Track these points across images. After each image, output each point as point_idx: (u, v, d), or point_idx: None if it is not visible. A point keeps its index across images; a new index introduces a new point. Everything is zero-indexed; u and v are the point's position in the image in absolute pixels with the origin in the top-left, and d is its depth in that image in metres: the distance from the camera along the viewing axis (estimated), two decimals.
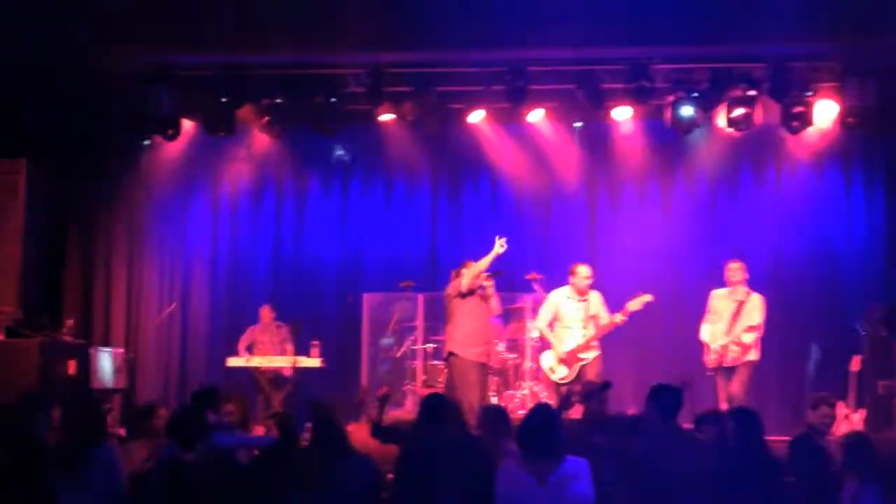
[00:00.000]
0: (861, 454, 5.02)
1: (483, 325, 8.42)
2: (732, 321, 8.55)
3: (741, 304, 8.58)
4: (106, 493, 4.97)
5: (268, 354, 9.69)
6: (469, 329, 8.35)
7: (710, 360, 8.63)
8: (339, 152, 10.70)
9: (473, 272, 8.34)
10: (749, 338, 8.53)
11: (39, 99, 9.13)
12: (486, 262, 8.32)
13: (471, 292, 8.37)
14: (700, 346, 8.91)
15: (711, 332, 8.66)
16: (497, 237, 8.34)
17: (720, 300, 8.72)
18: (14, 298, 8.88)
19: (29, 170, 9.18)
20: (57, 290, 9.61)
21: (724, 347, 8.53)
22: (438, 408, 5.36)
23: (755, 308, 8.60)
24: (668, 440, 5.06)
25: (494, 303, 8.56)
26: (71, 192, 9.96)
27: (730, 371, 8.56)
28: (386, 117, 10.13)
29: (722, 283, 8.89)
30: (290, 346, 9.78)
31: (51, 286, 9.47)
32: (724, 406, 8.03)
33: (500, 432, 5.39)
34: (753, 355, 8.60)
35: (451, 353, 8.39)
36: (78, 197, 10.10)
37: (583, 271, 8.57)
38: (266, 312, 9.99)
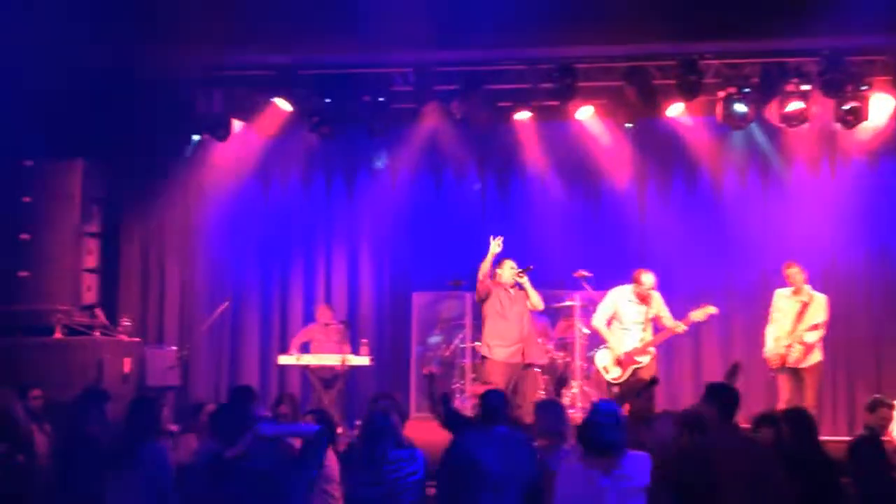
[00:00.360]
0: None
1: (512, 324, 8.37)
2: (796, 321, 8.46)
3: (805, 304, 8.49)
4: (153, 489, 5.02)
5: (325, 353, 9.73)
6: (495, 330, 8.39)
7: (774, 360, 8.51)
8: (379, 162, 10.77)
9: (478, 276, 8.40)
10: (812, 337, 8.45)
11: (94, 100, 9.26)
12: (485, 264, 8.39)
13: (488, 295, 8.43)
14: (756, 345, 8.83)
15: (776, 334, 8.54)
16: (492, 237, 8.41)
17: (785, 300, 8.62)
18: (70, 297, 9.03)
19: (85, 170, 9.31)
20: (112, 289, 9.75)
21: (788, 347, 8.42)
22: (493, 405, 5.34)
23: (820, 308, 8.52)
24: (725, 439, 5.00)
25: (534, 298, 8.48)
26: (125, 192, 10.09)
27: (793, 372, 8.45)
28: (434, 115, 10.14)
29: (778, 283, 8.79)
30: (347, 346, 9.81)
31: (106, 285, 9.61)
32: (782, 406, 7.93)
33: (556, 428, 5.35)
34: (818, 356, 8.52)
35: (482, 356, 8.46)
36: (132, 196, 10.24)
37: (647, 281, 8.43)
38: (323, 311, 10.06)
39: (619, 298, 8.55)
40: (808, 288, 8.55)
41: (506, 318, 8.36)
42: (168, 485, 5.10)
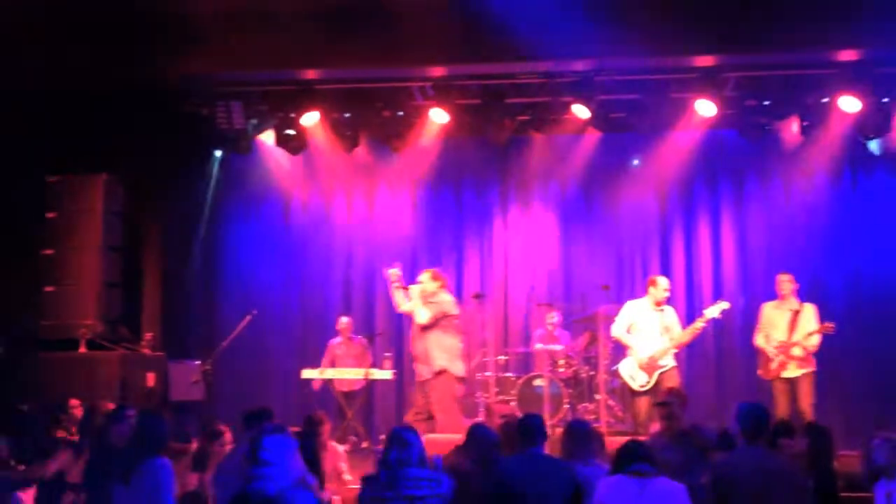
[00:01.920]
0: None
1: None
2: (790, 331, 8.63)
3: (796, 313, 8.67)
4: None
5: (347, 367, 9.77)
6: None
7: (772, 368, 8.68)
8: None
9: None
10: (814, 341, 8.57)
11: (116, 115, 9.31)
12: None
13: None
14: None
15: (769, 345, 8.72)
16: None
17: (773, 311, 8.82)
18: (94, 312, 9.05)
19: (107, 185, 9.35)
20: (136, 304, 9.78)
21: (787, 356, 8.56)
22: (530, 427, 5.32)
23: (811, 317, 8.69)
24: (753, 457, 4.99)
25: (412, 310, 8.55)
26: (148, 206, 10.13)
27: (790, 382, 8.59)
28: (452, 129, 10.15)
29: (804, 291, 8.91)
30: (368, 360, 9.82)
31: (130, 299, 9.64)
32: (781, 416, 8.05)
33: (584, 450, 5.33)
34: (812, 365, 8.65)
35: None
36: (154, 211, 10.26)
37: (663, 283, 8.68)
38: (344, 324, 10.08)
39: (635, 309, 8.70)
40: (795, 298, 8.78)
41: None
42: (166, 501, 5.06)
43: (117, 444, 5.67)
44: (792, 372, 8.61)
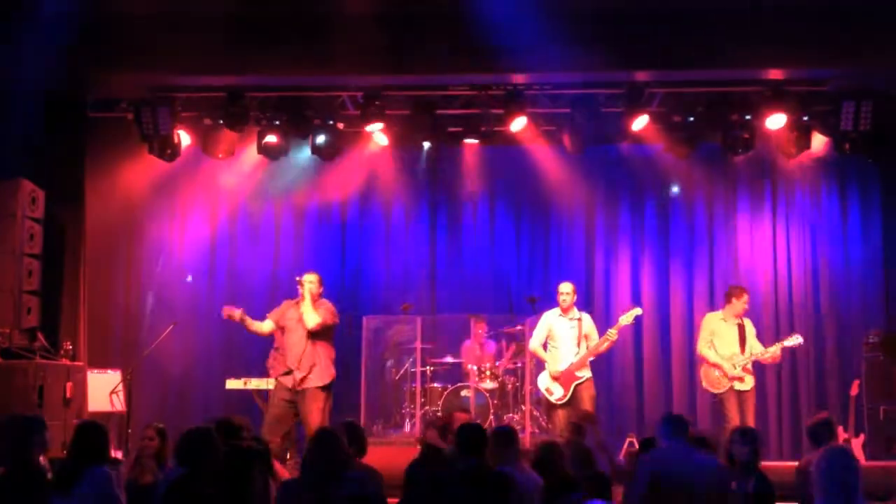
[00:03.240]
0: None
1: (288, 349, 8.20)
2: (741, 343, 8.61)
3: (742, 327, 8.69)
4: None
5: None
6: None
7: (726, 381, 8.53)
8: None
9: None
10: (772, 351, 8.60)
11: (37, 119, 9.10)
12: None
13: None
14: (694, 368, 8.99)
15: (720, 358, 8.58)
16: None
17: (719, 323, 8.74)
18: (11, 320, 8.79)
19: (27, 191, 9.11)
20: (54, 312, 9.54)
21: (744, 369, 8.54)
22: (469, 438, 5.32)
23: (753, 330, 8.77)
24: (679, 451, 5.16)
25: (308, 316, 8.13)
26: (69, 214, 9.90)
27: (740, 395, 8.54)
28: (383, 139, 10.15)
29: (717, 306, 8.98)
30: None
31: (48, 308, 9.40)
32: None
33: (507, 455, 5.36)
34: (753, 380, 8.69)
35: None
36: (76, 218, 10.04)
37: (560, 289, 8.73)
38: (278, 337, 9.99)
39: (552, 318, 8.75)
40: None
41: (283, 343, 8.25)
42: None
43: (36, 455, 5.53)
44: (747, 385, 8.51)
